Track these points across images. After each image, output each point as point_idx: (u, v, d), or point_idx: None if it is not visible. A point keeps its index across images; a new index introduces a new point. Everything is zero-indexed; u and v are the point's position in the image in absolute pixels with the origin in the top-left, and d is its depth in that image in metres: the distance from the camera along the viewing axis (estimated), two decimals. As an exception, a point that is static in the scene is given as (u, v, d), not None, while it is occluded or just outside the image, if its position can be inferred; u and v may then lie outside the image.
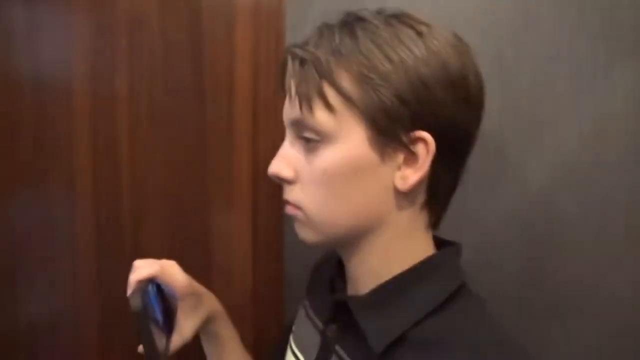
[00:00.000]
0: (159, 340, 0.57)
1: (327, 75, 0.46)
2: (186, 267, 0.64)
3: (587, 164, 0.71)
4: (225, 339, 0.68)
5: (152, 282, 0.58)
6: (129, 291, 0.56)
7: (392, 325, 0.47)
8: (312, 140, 0.48)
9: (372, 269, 0.51)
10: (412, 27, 0.47)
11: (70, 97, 0.87)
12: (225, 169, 0.85)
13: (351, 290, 0.54)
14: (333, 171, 0.47)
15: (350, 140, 0.47)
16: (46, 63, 0.87)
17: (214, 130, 0.84)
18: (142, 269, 0.58)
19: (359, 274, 0.52)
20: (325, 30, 0.48)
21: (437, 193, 0.50)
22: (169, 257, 0.65)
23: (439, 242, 0.54)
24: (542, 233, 0.73)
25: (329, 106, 0.46)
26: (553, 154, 0.72)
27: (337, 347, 0.52)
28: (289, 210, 0.51)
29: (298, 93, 0.47)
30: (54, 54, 0.86)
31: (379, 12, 0.49)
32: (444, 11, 0.73)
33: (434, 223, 0.53)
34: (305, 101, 0.47)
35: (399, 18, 0.48)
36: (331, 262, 0.63)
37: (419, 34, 0.47)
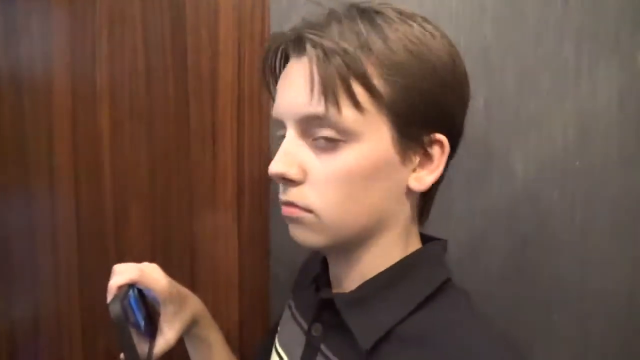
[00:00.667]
0: (142, 346, 0.56)
1: (358, 72, 0.44)
2: (170, 270, 0.63)
3: (572, 161, 0.71)
4: (211, 342, 0.67)
5: (133, 286, 0.57)
6: (109, 297, 0.55)
7: (380, 322, 0.47)
8: (331, 139, 0.45)
9: (361, 266, 0.50)
10: (422, 27, 0.47)
11: (50, 94, 0.84)
12: (209, 168, 0.83)
13: (336, 289, 0.54)
14: (357, 172, 0.45)
15: (375, 140, 0.45)
16: (25, 60, 0.84)
17: (197, 128, 0.83)
18: (122, 273, 0.57)
19: (347, 272, 0.52)
20: (344, 19, 0.45)
21: (431, 191, 0.51)
22: (152, 259, 0.64)
23: (425, 239, 0.54)
24: (528, 229, 0.73)
25: (357, 104, 0.44)
26: (539, 151, 0.72)
27: (323, 346, 0.51)
28: (294, 212, 0.47)
29: (323, 87, 0.44)
30: (33, 50, 0.84)
31: (388, 5, 0.47)
32: (430, 6, 0.73)
33: (423, 219, 0.54)
34: (332, 97, 0.43)
35: (410, 16, 0.47)
36: (316, 262, 0.62)
37: (433, 35, 0.47)
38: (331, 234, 0.47)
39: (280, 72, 0.52)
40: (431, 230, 0.56)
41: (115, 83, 0.83)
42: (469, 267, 0.75)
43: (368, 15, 0.46)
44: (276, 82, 0.52)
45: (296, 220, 0.48)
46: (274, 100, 0.52)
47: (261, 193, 0.82)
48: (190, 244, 0.85)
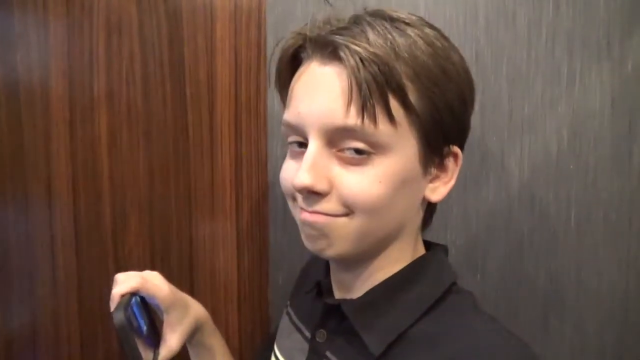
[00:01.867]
0: (145, 354, 0.56)
1: (395, 84, 0.42)
2: (169, 277, 0.63)
3: (566, 163, 0.73)
4: (214, 349, 0.67)
5: (135, 295, 0.57)
6: (112, 306, 0.55)
7: (390, 326, 0.47)
8: (361, 151, 0.44)
9: (371, 273, 0.51)
10: (445, 38, 0.47)
11: (47, 103, 0.85)
12: (207, 175, 0.84)
13: (341, 294, 0.54)
14: (386, 182, 0.44)
15: (404, 153, 0.45)
16: (23, 69, 0.84)
17: (195, 135, 0.83)
18: (124, 282, 0.57)
19: (357, 279, 0.51)
20: (377, 26, 0.44)
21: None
22: (151, 266, 0.64)
23: (426, 244, 0.55)
24: (524, 232, 0.74)
25: (392, 118, 0.43)
26: (533, 154, 0.73)
27: (328, 353, 0.51)
28: (326, 219, 0.45)
29: (363, 99, 0.42)
30: (31, 59, 0.84)
31: (412, 15, 0.47)
32: (423, 11, 0.74)
33: (426, 226, 0.54)
34: (371, 110, 0.42)
35: (430, 25, 0.47)
36: (316, 268, 0.63)
37: (453, 47, 0.47)
38: (356, 241, 0.46)
39: (291, 74, 0.50)
40: (429, 234, 0.57)
41: (113, 91, 0.84)
42: (466, 269, 0.76)
43: (396, 23, 0.45)
44: (287, 85, 0.50)
45: (321, 229, 0.46)
46: (284, 104, 0.50)
47: (260, 199, 0.82)
48: (189, 251, 0.85)
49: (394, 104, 0.43)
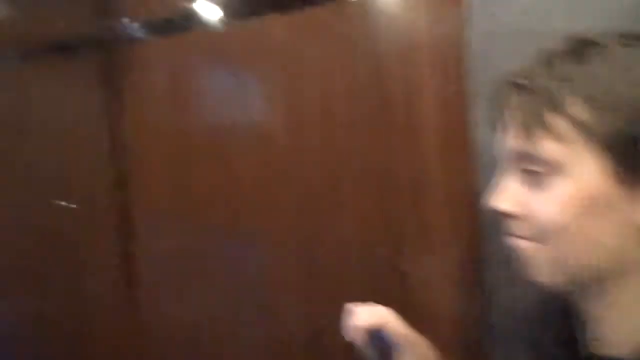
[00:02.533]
0: None
1: (557, 104, 0.43)
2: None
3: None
4: None
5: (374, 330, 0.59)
6: (352, 336, 0.57)
7: None
8: (537, 173, 0.45)
9: (631, 321, 0.45)
10: None
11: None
12: (420, 212, 0.85)
13: (600, 348, 0.48)
14: (566, 204, 0.44)
15: (583, 172, 0.43)
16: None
17: (402, 174, 0.86)
18: (365, 315, 0.59)
19: (613, 327, 0.46)
20: (553, 57, 0.46)
21: None
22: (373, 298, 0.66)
23: None
24: None
25: (558, 136, 0.43)
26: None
27: None
28: (521, 244, 0.48)
29: (524, 124, 0.45)
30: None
31: (614, 34, 0.46)
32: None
33: None
34: (531, 133, 0.44)
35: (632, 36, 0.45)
36: (555, 312, 0.57)
37: None
38: (560, 268, 0.45)
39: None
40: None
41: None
42: None
43: (579, 48, 0.45)
44: None
45: (525, 254, 0.48)
46: None
47: (473, 234, 0.80)
48: (400, 290, 0.87)
49: (560, 123, 0.43)
